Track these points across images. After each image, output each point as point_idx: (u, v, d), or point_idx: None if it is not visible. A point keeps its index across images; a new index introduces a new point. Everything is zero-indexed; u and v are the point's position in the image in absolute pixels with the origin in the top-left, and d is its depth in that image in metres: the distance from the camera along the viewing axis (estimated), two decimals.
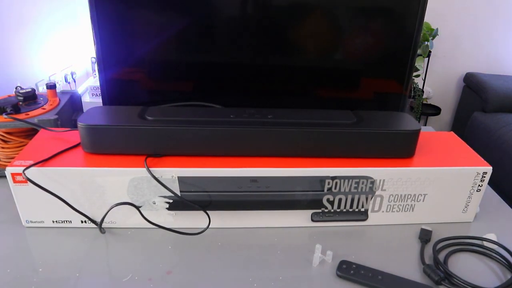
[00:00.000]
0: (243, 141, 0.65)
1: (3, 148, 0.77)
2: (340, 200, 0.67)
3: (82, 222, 0.66)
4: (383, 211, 0.69)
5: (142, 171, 0.62)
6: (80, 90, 2.00)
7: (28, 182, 0.61)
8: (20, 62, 1.55)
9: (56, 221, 0.66)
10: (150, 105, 0.70)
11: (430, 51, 2.28)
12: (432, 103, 2.57)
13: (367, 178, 0.65)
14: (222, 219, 0.67)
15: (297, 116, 0.68)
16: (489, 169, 0.67)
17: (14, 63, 1.51)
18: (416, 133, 0.66)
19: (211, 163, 0.64)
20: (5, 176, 0.62)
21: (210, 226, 0.66)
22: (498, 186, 1.75)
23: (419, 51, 2.16)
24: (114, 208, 0.64)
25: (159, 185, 0.62)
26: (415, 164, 0.66)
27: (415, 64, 0.82)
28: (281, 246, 0.65)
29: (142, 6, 0.73)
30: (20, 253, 0.61)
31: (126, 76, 0.78)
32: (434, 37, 2.25)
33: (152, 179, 0.62)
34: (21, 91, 0.81)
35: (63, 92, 0.88)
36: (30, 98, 0.81)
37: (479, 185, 0.68)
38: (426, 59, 2.33)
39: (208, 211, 0.66)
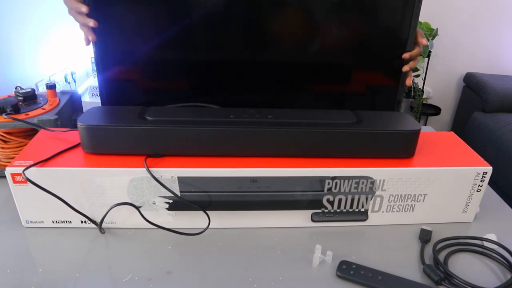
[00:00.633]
0: (243, 141, 0.65)
1: (3, 148, 0.77)
2: (340, 200, 0.67)
3: (82, 222, 0.66)
4: (383, 211, 0.69)
5: (142, 171, 0.62)
6: (80, 90, 2.00)
7: (28, 182, 0.61)
8: (20, 62, 1.55)
9: (56, 221, 0.66)
10: (148, 105, 0.70)
11: (430, 51, 2.28)
12: (432, 103, 2.57)
13: (367, 178, 0.65)
14: (222, 219, 0.67)
15: (297, 116, 0.68)
16: (489, 169, 0.67)
17: (14, 63, 1.51)
18: (416, 133, 0.66)
19: (211, 163, 0.64)
20: (5, 176, 0.62)
21: (210, 226, 0.66)
22: (498, 186, 1.75)
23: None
24: (114, 208, 0.64)
25: (159, 185, 0.62)
26: (415, 164, 0.66)
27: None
28: (281, 246, 0.65)
29: (139, 7, 0.73)
30: (20, 253, 0.61)
31: (124, 76, 0.78)
32: (434, 37, 2.25)
33: (152, 179, 0.62)
34: (21, 91, 0.81)
35: (63, 92, 0.88)
36: (30, 98, 0.81)
37: (479, 185, 0.68)
38: (426, 59, 2.33)
39: (208, 211, 0.66)
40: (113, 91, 0.79)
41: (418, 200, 0.68)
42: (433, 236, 0.67)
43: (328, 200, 0.67)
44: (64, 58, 1.88)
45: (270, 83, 0.81)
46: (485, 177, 0.67)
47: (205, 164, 0.63)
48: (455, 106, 2.61)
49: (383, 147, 0.66)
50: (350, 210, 0.68)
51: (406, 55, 0.77)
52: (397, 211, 0.69)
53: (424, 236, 0.67)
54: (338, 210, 0.68)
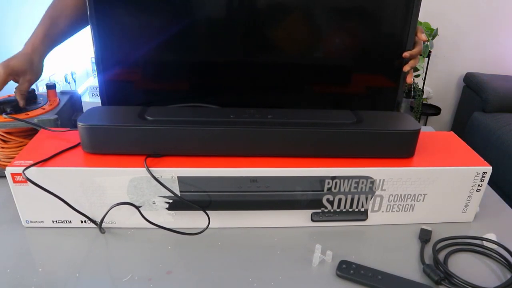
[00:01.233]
0: (243, 141, 0.65)
1: (3, 148, 0.77)
2: (340, 200, 0.67)
3: (82, 222, 0.66)
4: (383, 211, 0.69)
5: (142, 171, 0.62)
6: (80, 90, 2.00)
7: (28, 182, 0.61)
8: None
9: (56, 221, 0.66)
10: (148, 105, 0.70)
11: (430, 51, 2.28)
12: (432, 103, 2.56)
13: (367, 178, 0.65)
14: (222, 219, 0.67)
15: (297, 116, 0.68)
16: (489, 169, 0.67)
17: None
18: (416, 133, 0.66)
19: (211, 163, 0.64)
20: (5, 176, 0.62)
21: (210, 226, 0.66)
22: (498, 186, 1.75)
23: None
24: (114, 208, 0.64)
25: (159, 185, 0.62)
26: (415, 164, 0.66)
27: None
28: (281, 246, 0.65)
29: (139, 7, 0.73)
30: (20, 253, 0.61)
31: (125, 76, 0.78)
32: (434, 37, 2.25)
33: (152, 179, 0.62)
34: None
35: (63, 92, 0.88)
36: (30, 98, 0.81)
37: (479, 185, 0.68)
38: (426, 59, 2.33)
39: (208, 211, 0.66)
40: (113, 91, 0.79)
41: (418, 200, 0.68)
42: (433, 236, 0.67)
43: (328, 200, 0.67)
44: (64, 58, 1.88)
45: (270, 85, 0.81)
46: (485, 177, 0.67)
47: (205, 164, 0.63)
48: (455, 106, 2.61)
49: (383, 147, 0.66)
50: (350, 210, 0.68)
51: (406, 54, 0.77)
52: (397, 211, 0.69)
53: (424, 236, 0.67)
54: (338, 210, 0.68)
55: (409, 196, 0.68)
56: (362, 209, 0.68)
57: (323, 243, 0.63)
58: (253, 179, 0.64)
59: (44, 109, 0.78)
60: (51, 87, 0.84)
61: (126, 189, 0.63)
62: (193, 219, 0.67)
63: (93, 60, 2.06)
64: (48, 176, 0.61)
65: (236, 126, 0.64)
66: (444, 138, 0.76)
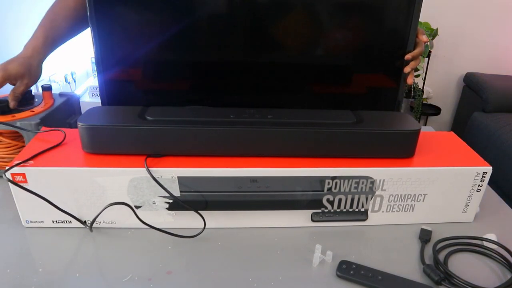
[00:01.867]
0: (243, 141, 0.65)
1: None
2: (340, 200, 0.67)
3: (82, 222, 0.66)
4: (383, 211, 0.69)
5: (142, 171, 0.62)
6: (80, 90, 2.00)
7: (27, 182, 0.61)
8: None
9: (56, 221, 0.66)
10: (148, 105, 0.70)
11: (430, 51, 2.28)
12: (432, 103, 2.56)
13: (367, 178, 0.65)
14: (222, 219, 0.67)
15: (297, 116, 0.68)
16: (489, 169, 0.67)
17: None
18: (416, 133, 0.66)
19: (211, 163, 0.64)
20: (1, 176, 0.61)
21: (210, 226, 0.66)
22: (498, 186, 1.75)
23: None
24: (114, 208, 0.64)
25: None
26: (415, 164, 0.66)
27: None
28: (281, 246, 0.65)
29: (139, 7, 0.73)
30: (20, 253, 0.61)
31: (125, 76, 0.78)
32: (434, 37, 2.25)
33: (152, 179, 0.62)
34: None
35: (62, 94, 0.88)
36: (25, 98, 0.80)
37: (479, 185, 0.68)
38: (426, 59, 2.33)
39: (207, 211, 0.66)
40: (113, 91, 0.79)
41: (418, 200, 0.68)
42: (433, 236, 0.67)
43: (328, 200, 0.67)
44: (64, 58, 1.88)
45: (271, 85, 0.81)
46: (485, 177, 0.67)
47: (205, 164, 0.63)
48: (455, 106, 2.61)
49: (383, 147, 0.66)
50: (350, 210, 0.68)
51: (408, 56, 0.77)
52: (397, 211, 0.69)
53: (424, 236, 0.67)
54: (338, 210, 0.68)
55: (409, 196, 0.68)
56: (362, 209, 0.68)
57: (323, 243, 0.63)
58: (253, 179, 0.64)
59: (33, 111, 0.77)
60: (46, 88, 0.84)
61: (126, 189, 0.63)
62: (193, 219, 0.67)
63: (93, 60, 2.06)
64: (48, 176, 0.61)
65: (236, 126, 0.64)
66: (444, 138, 0.76)
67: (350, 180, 0.65)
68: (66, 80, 1.90)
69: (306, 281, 0.58)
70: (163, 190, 0.63)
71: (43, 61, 0.82)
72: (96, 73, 0.75)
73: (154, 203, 0.65)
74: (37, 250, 0.62)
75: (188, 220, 0.67)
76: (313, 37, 0.78)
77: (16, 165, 0.60)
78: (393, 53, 0.79)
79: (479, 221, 0.72)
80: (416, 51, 0.78)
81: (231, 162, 0.64)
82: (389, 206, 0.68)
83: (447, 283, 0.58)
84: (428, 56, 2.30)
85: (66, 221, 0.66)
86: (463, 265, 0.62)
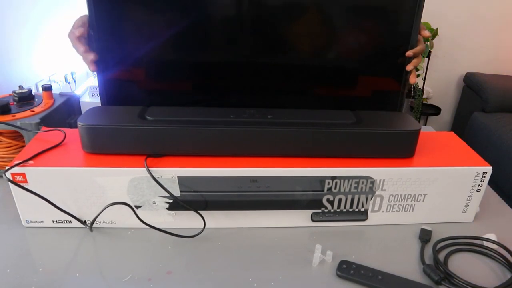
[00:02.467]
0: (243, 141, 0.65)
1: None
2: (340, 200, 0.67)
3: (83, 222, 0.66)
4: (383, 211, 0.69)
5: (142, 171, 0.62)
6: (80, 90, 2.00)
7: (27, 182, 0.61)
8: (20, 62, 1.55)
9: (56, 221, 0.66)
10: (148, 105, 0.70)
11: (430, 51, 2.28)
12: (432, 103, 2.56)
13: (367, 178, 0.65)
14: (222, 219, 0.67)
15: (297, 116, 0.68)
16: (489, 169, 0.67)
17: (15, 63, 1.51)
18: (416, 133, 0.66)
19: (211, 163, 0.64)
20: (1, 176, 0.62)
21: (210, 226, 0.66)
22: (498, 186, 1.75)
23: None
24: (114, 208, 0.64)
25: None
26: (415, 164, 0.66)
27: None
28: (281, 246, 0.65)
29: (140, 7, 0.73)
30: (20, 253, 0.61)
31: (125, 76, 0.78)
32: (434, 37, 2.25)
33: (152, 179, 0.62)
34: (17, 91, 0.81)
35: (62, 94, 0.88)
36: (25, 98, 0.80)
37: (479, 185, 0.68)
38: (426, 59, 2.33)
39: (207, 211, 0.66)
40: (113, 91, 0.79)
41: (418, 200, 0.68)
42: (433, 236, 0.67)
43: (328, 200, 0.67)
44: (64, 58, 1.88)
45: (273, 87, 0.81)
46: (485, 177, 0.67)
47: (205, 164, 0.63)
48: (455, 106, 2.61)
49: (383, 147, 0.66)
50: (350, 210, 0.68)
51: (409, 53, 0.76)
52: (397, 211, 0.69)
53: (424, 236, 0.67)
54: (338, 210, 0.68)
55: (409, 196, 0.68)
56: (362, 209, 0.68)
57: (323, 243, 0.63)
58: (253, 179, 0.64)
59: (33, 111, 0.77)
60: (46, 88, 0.84)
61: (126, 189, 0.63)
62: (193, 219, 0.67)
63: None
64: (48, 176, 0.61)
65: (236, 126, 0.64)
66: (444, 138, 0.76)
67: (350, 180, 0.65)
68: (66, 80, 1.90)
69: (306, 281, 0.58)
70: (163, 190, 0.63)
71: None
72: (96, 73, 0.75)
73: (154, 203, 0.65)
74: (37, 250, 0.62)
75: (188, 220, 0.67)
76: (318, 38, 0.78)
77: (16, 165, 0.60)
78: (397, 53, 0.78)
79: (479, 221, 0.72)
80: (418, 48, 0.77)
81: (231, 162, 0.64)
82: (389, 206, 0.68)
83: (447, 283, 0.58)
84: (428, 56, 2.30)
85: (66, 221, 0.66)
86: (463, 265, 0.62)
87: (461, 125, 2.40)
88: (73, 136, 0.70)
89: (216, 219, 0.67)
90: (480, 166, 0.67)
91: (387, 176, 0.65)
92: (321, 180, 0.65)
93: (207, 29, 0.76)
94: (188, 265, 0.60)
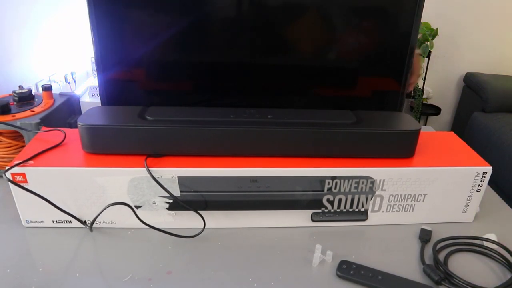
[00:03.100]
0: (243, 141, 0.65)
1: None
2: (340, 200, 0.67)
3: (83, 222, 0.66)
4: (383, 211, 0.69)
5: (142, 171, 0.62)
6: (80, 90, 2.00)
7: (27, 182, 0.61)
8: (20, 62, 1.55)
9: (56, 221, 0.66)
10: (148, 105, 0.70)
11: (430, 51, 2.28)
12: (432, 103, 2.57)
13: (367, 178, 0.65)
14: (222, 219, 0.67)
15: (297, 116, 0.68)
16: (489, 169, 0.67)
17: (15, 63, 1.51)
18: (416, 133, 0.66)
19: (211, 163, 0.64)
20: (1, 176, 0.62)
21: (210, 226, 0.66)
22: (498, 186, 1.75)
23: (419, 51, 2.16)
24: (114, 208, 0.64)
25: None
26: (415, 164, 0.66)
27: None
28: (281, 246, 0.65)
29: (140, 7, 0.73)
30: (20, 253, 0.61)
31: (125, 76, 0.78)
32: (434, 37, 2.25)
33: (152, 179, 0.62)
34: (17, 91, 0.81)
35: (62, 94, 0.88)
36: (25, 98, 0.80)
37: (479, 185, 0.68)
38: (426, 59, 2.33)
39: (207, 211, 0.66)
40: (113, 91, 0.79)
41: (418, 200, 0.68)
42: (433, 236, 0.67)
43: (328, 200, 0.67)
44: (64, 58, 1.88)
45: (274, 87, 0.81)
46: (485, 177, 0.67)
47: (205, 164, 0.63)
48: (455, 106, 2.61)
49: (383, 147, 0.66)
50: (350, 210, 0.68)
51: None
52: (397, 211, 0.69)
53: (424, 236, 0.67)
54: (338, 210, 0.68)
55: (409, 196, 0.68)
56: (362, 209, 0.68)
57: (323, 243, 0.63)
58: (253, 179, 0.64)
59: (33, 111, 0.77)
60: (46, 88, 0.84)
61: (126, 189, 0.63)
62: (193, 219, 0.67)
63: (93, 60, 2.06)
64: (48, 176, 0.61)
65: (236, 126, 0.64)
66: (444, 138, 0.76)
67: (350, 180, 0.65)
68: (66, 80, 1.90)
69: (306, 281, 0.58)
70: (163, 190, 0.63)
71: None
72: (96, 73, 0.75)
73: (154, 203, 0.65)
74: (37, 250, 0.62)
75: (188, 220, 0.67)
76: (318, 39, 0.78)
77: (16, 165, 0.60)
78: (395, 55, 0.78)
79: (479, 221, 0.72)
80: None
81: (231, 162, 0.64)
82: (389, 206, 0.68)
83: (447, 283, 0.58)
84: (428, 56, 2.30)
85: (66, 221, 0.66)
86: (463, 265, 0.62)
87: (461, 125, 2.41)
88: (73, 136, 0.70)
89: (216, 219, 0.67)
90: (480, 166, 0.67)
91: (387, 176, 0.65)
92: (321, 180, 0.65)
93: (207, 29, 0.76)
94: (188, 265, 0.60)
